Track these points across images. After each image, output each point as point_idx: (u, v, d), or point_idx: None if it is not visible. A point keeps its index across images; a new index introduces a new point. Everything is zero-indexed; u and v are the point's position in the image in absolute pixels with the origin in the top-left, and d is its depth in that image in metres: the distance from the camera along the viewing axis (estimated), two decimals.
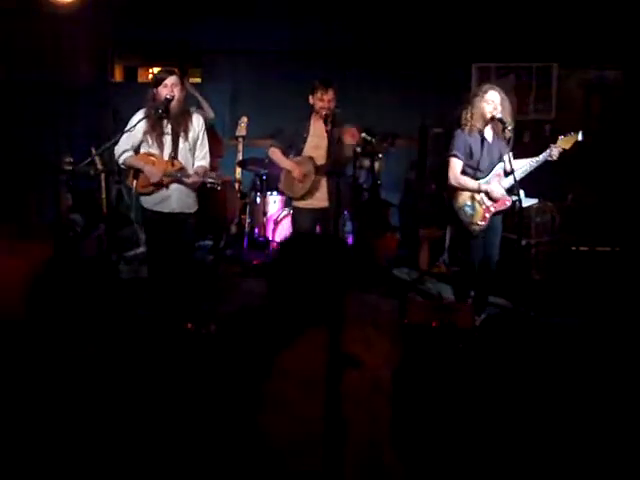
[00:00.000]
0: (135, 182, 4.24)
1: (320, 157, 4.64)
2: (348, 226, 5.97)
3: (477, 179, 4.41)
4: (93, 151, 4.98)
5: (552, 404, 3.30)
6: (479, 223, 4.40)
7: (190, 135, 4.23)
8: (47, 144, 6.64)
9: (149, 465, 2.52)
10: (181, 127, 4.18)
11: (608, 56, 6.75)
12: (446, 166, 4.48)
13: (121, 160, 4.23)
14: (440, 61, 6.98)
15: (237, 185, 6.46)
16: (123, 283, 5.32)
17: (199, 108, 5.94)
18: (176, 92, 4.11)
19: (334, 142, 4.50)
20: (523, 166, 4.35)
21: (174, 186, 4.19)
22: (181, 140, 4.19)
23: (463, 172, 4.42)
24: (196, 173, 4.22)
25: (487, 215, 4.40)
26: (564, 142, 4.31)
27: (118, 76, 8.09)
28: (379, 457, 1.55)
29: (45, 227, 5.28)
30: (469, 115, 4.37)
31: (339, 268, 1.78)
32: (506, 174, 4.38)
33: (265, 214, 6.41)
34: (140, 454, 2.59)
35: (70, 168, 5.51)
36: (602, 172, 6.23)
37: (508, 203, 4.37)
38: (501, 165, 4.39)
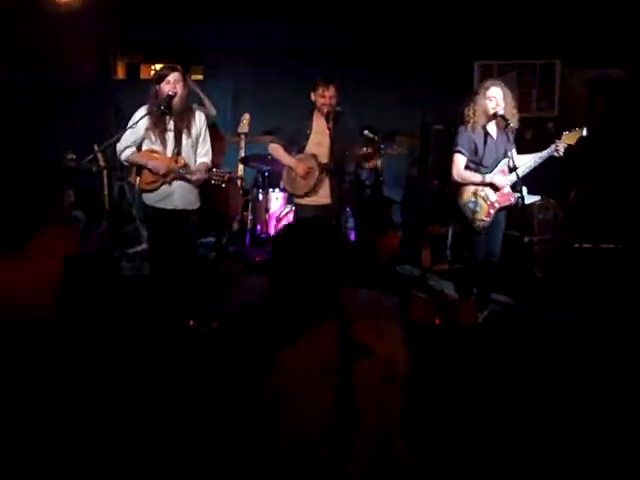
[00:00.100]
0: (138, 179, 4.24)
1: (323, 155, 4.63)
2: (350, 223, 5.97)
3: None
4: (95, 148, 4.97)
5: (555, 401, 3.29)
6: (484, 219, 4.39)
7: (193, 132, 4.22)
8: (48, 144, 6.64)
9: (151, 463, 2.52)
10: (184, 124, 4.17)
11: (611, 54, 6.74)
12: (449, 163, 4.48)
13: (123, 157, 4.22)
14: (442, 59, 6.99)
15: (239, 182, 6.45)
16: (125, 280, 5.32)
17: (201, 105, 5.93)
18: (179, 89, 4.10)
19: (336, 140, 4.50)
20: (527, 162, 4.34)
21: (177, 183, 4.18)
22: (184, 137, 4.19)
23: (467, 168, 4.41)
24: (199, 170, 4.21)
25: (492, 211, 4.39)
26: (569, 138, 4.30)
27: (120, 73, 8.09)
28: (390, 447, 1.55)
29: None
30: (472, 112, 4.37)
31: (338, 257, 1.77)
32: (510, 170, 4.36)
33: (267, 211, 6.41)
34: (142, 452, 2.59)
35: (72, 165, 5.52)
36: (605, 169, 6.22)
37: (513, 199, 4.36)
38: (505, 161, 4.37)
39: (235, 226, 6.61)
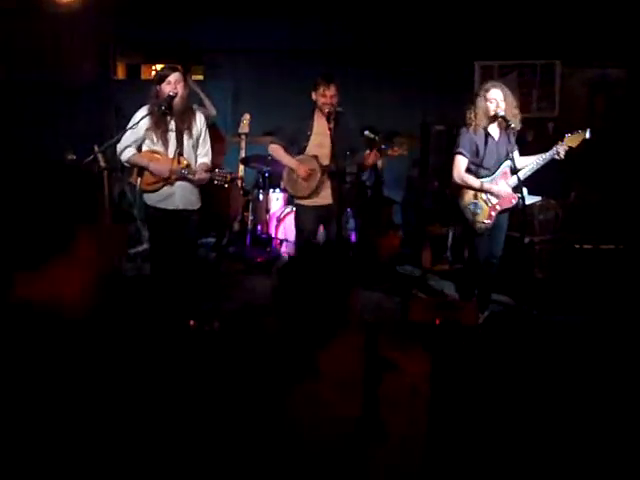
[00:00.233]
0: (140, 179, 4.23)
1: (324, 156, 4.61)
2: (351, 224, 5.97)
3: (480, 176, 4.40)
4: (96, 148, 4.96)
5: (555, 401, 3.29)
6: (485, 222, 4.38)
7: (194, 132, 4.22)
8: (48, 144, 6.64)
9: (151, 464, 2.52)
10: (185, 124, 4.17)
11: (611, 54, 6.74)
12: (450, 163, 4.48)
13: (124, 158, 4.21)
14: (442, 59, 6.99)
15: (240, 182, 6.45)
16: (126, 280, 5.31)
17: (201, 105, 5.93)
18: (179, 89, 4.10)
19: (337, 141, 4.48)
20: (529, 164, 4.33)
21: (178, 183, 4.17)
22: (185, 137, 4.18)
23: (467, 170, 4.41)
24: (200, 170, 4.21)
25: (493, 213, 4.39)
26: (571, 140, 4.28)
27: (121, 73, 8.08)
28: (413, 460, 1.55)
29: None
30: (473, 115, 4.36)
31: (344, 275, 1.77)
32: (513, 172, 4.34)
33: (268, 211, 6.41)
34: (142, 453, 2.58)
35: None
36: (605, 170, 6.22)
37: (514, 201, 4.35)
38: (508, 163, 4.36)
39: (236, 226, 6.61)
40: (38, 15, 6.86)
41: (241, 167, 6.45)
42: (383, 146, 5.14)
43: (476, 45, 6.95)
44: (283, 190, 6.12)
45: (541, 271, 5.44)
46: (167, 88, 4.07)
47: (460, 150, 4.39)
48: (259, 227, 6.49)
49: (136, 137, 4.16)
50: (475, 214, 4.39)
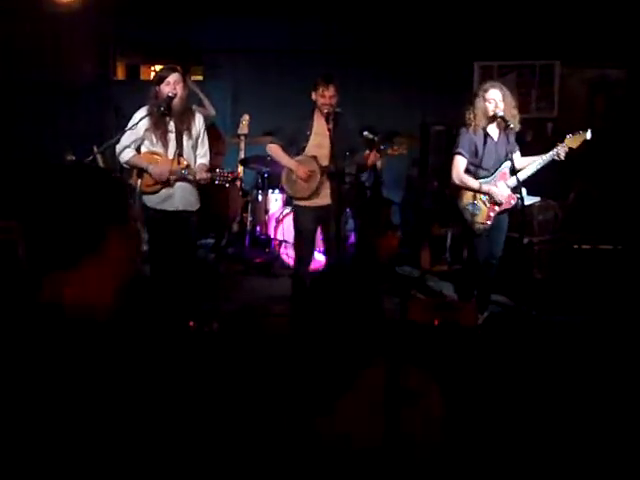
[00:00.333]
0: (140, 181, 4.23)
1: (323, 157, 4.59)
2: (350, 224, 5.97)
3: (479, 177, 4.40)
4: (95, 149, 4.97)
5: (555, 402, 3.30)
6: (483, 222, 4.38)
7: (193, 133, 4.22)
8: (47, 144, 6.64)
9: (151, 464, 2.52)
10: (184, 125, 4.16)
11: (611, 54, 6.74)
12: (449, 164, 4.47)
13: (124, 159, 4.21)
14: (442, 59, 6.99)
15: (239, 183, 6.45)
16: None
17: (200, 105, 5.93)
18: (179, 89, 4.10)
19: (336, 141, 4.48)
20: (530, 165, 4.32)
21: (177, 184, 4.17)
22: (185, 138, 4.18)
23: (466, 170, 4.41)
24: (200, 171, 4.21)
25: (492, 214, 4.39)
26: (571, 141, 4.27)
27: (120, 74, 8.09)
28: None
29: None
30: (472, 115, 4.36)
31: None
32: (512, 173, 4.33)
33: (267, 212, 6.41)
34: (142, 453, 2.59)
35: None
36: (605, 170, 6.22)
37: (513, 202, 4.35)
38: (507, 164, 4.35)
39: (235, 227, 6.61)
40: (38, 15, 6.86)
41: (240, 168, 6.45)
42: (382, 146, 5.14)
43: (475, 45, 6.95)
44: (282, 191, 6.12)
45: (540, 272, 5.44)
46: (166, 89, 4.07)
47: (459, 150, 4.39)
48: (258, 228, 6.50)
49: (135, 138, 4.16)
50: (474, 215, 4.39)
